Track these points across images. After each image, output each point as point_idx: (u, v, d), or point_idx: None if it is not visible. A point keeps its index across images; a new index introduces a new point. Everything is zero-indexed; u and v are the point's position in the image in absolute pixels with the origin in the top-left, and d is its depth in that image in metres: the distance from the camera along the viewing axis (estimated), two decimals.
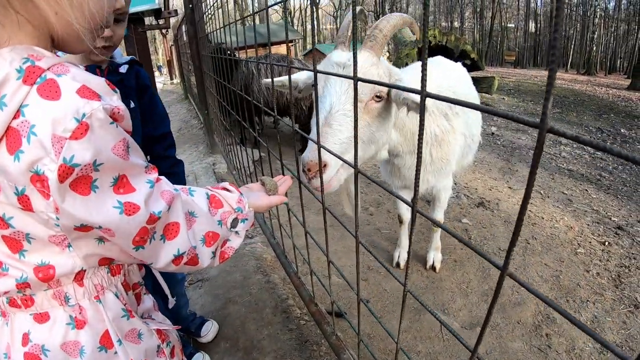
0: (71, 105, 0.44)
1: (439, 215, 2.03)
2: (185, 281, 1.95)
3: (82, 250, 0.54)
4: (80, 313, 0.59)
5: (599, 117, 7.57)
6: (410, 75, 1.38)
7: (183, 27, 5.86)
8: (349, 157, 1.02)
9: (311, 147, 1.00)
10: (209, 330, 1.63)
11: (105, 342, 0.61)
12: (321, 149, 0.85)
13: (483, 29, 33.73)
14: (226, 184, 0.74)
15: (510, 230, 2.74)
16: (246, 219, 0.71)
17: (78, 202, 0.46)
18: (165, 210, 0.54)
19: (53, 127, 0.43)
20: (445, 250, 2.37)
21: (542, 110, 0.32)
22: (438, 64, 1.98)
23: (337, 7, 33.95)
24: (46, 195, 0.45)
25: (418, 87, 0.47)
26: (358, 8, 1.31)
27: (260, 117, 4.79)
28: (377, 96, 1.10)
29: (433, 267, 2.23)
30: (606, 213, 3.09)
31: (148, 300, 0.75)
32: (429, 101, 0.91)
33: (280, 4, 0.96)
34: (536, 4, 35.95)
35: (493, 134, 5.66)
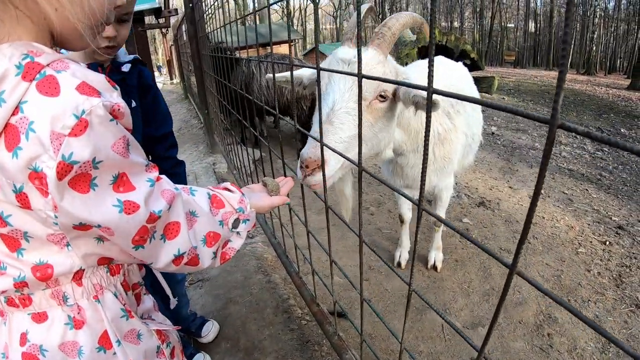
0: (70, 102, 0.43)
1: (441, 215, 2.03)
2: (186, 281, 1.95)
3: (81, 250, 0.53)
4: (78, 313, 0.58)
5: (599, 117, 7.57)
6: (417, 74, 1.37)
7: (183, 26, 5.86)
8: (350, 156, 1.00)
9: (310, 144, 0.96)
10: (210, 331, 1.62)
11: (104, 343, 0.60)
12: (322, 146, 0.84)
13: (483, 29, 33.73)
14: (228, 184, 0.73)
15: (511, 229, 2.73)
16: (248, 220, 0.71)
17: (77, 200, 0.45)
18: (165, 209, 0.54)
19: (52, 124, 0.42)
20: (446, 250, 2.37)
21: (552, 105, 0.31)
22: (440, 63, 1.98)
23: (336, 7, 33.96)
24: (45, 193, 0.44)
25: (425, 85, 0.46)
26: (367, 5, 1.29)
27: (262, 117, 4.72)
28: (381, 96, 1.07)
29: (434, 267, 2.22)
30: (607, 213, 3.08)
31: (148, 301, 0.74)
32: (439, 99, 0.89)
33: (280, 4, 0.95)
34: (536, 4, 35.94)
35: (493, 133, 5.66)
